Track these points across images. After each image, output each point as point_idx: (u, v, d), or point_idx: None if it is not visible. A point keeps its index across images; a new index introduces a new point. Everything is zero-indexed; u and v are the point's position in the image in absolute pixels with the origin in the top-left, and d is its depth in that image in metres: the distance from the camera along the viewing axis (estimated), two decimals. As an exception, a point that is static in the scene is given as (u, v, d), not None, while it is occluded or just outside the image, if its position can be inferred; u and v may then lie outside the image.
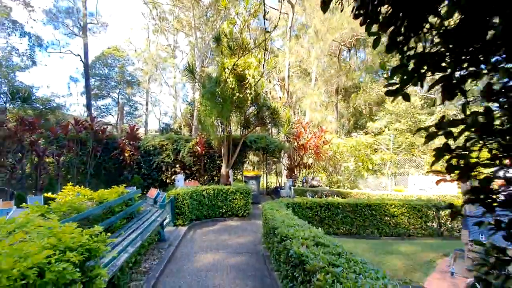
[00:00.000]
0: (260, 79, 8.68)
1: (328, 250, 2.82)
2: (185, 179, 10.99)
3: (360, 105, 24.29)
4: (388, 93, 1.29)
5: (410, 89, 20.00)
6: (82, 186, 4.76)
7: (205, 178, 12.20)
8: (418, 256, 5.34)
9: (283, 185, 12.82)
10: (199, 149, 11.48)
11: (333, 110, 23.24)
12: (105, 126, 12.70)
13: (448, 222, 6.86)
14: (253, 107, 10.28)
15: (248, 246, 5.71)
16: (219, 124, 10.33)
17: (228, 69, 8.22)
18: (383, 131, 19.26)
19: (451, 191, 12.40)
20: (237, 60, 8.10)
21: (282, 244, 3.43)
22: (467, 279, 4.24)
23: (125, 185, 5.55)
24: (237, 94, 8.55)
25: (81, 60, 24.42)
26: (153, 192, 9.99)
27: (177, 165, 12.73)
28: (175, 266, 4.58)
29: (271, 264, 4.41)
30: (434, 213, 6.77)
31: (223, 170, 10.46)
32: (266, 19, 3.61)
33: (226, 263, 4.83)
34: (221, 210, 7.82)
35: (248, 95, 8.73)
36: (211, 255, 5.21)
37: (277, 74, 21.67)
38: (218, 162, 12.33)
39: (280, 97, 20.17)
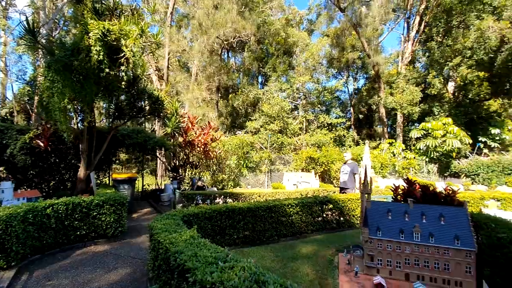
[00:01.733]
0: (141, 56, 6.64)
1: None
2: (16, 188, 7.30)
3: (239, 105, 24.93)
4: None
5: (281, 95, 22.12)
6: None
7: (52, 185, 8.63)
8: (318, 256, 5.19)
9: (163, 188, 10.91)
10: (42, 144, 7.94)
11: (214, 108, 22.68)
12: None
13: (329, 216, 7.32)
14: (130, 93, 7.96)
15: (127, 287, 3.90)
16: (77, 110, 7.40)
17: (100, 31, 5.75)
18: (259, 131, 20.38)
19: (315, 184, 14.21)
20: (107, 22, 5.79)
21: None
22: (372, 276, 4.25)
23: None
24: (107, 70, 6.17)
25: None
26: None
27: (1, 168, 8.48)
28: None
29: (170, 316, 2.94)
30: (320, 208, 7.05)
31: (82, 172, 7.59)
32: None
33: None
34: (79, 233, 5.36)
35: (123, 74, 6.51)
36: (61, 317, 3.13)
37: (155, 62, 18.94)
38: (74, 161, 9.02)
39: (159, 89, 17.63)
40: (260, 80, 31.48)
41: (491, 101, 22.53)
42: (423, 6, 21.43)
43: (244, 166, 15.62)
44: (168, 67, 18.92)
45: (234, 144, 14.29)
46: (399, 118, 22.73)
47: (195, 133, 10.17)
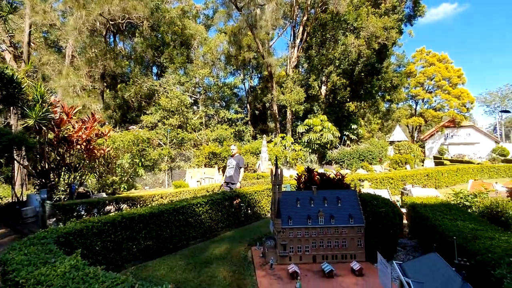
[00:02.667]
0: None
1: None
2: None
3: (130, 97, 21.85)
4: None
5: (179, 89, 20.75)
6: None
7: None
8: (232, 255, 4.93)
9: (26, 200, 8.22)
10: None
11: (99, 99, 19.01)
12: None
13: (237, 211, 7.19)
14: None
15: None
16: None
17: None
18: (157, 126, 18.48)
19: (219, 179, 14.03)
20: None
21: None
22: (286, 265, 4.29)
23: None
24: None
25: None
26: None
27: None
28: None
29: None
30: (229, 204, 6.82)
31: None
32: None
33: None
34: None
35: None
36: None
37: (8, 35, 14.09)
38: None
39: (14, 70, 13.13)
40: (155, 70, 28.69)
41: (349, 103, 28.22)
42: (305, 18, 24.52)
43: (140, 165, 13.78)
44: (29, 43, 14.43)
45: (127, 141, 12.31)
46: (289, 115, 25.41)
47: (73, 127, 8.01)
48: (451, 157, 31.97)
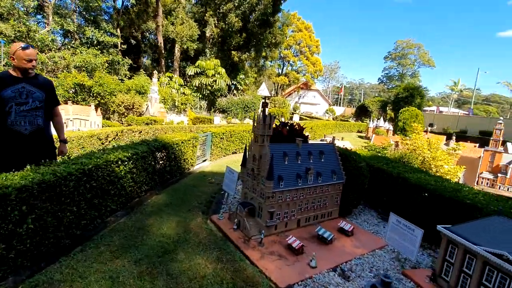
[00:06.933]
0: None
1: None
2: None
3: None
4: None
5: None
6: None
7: None
8: (193, 232, 3.41)
9: None
10: None
11: None
12: None
13: (159, 166, 5.23)
14: None
15: None
16: None
17: None
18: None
19: (97, 122, 10.32)
20: None
21: None
22: (275, 236, 3.32)
23: None
24: None
25: None
26: None
27: None
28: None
29: None
30: (153, 158, 4.77)
31: None
32: None
33: None
34: None
35: None
36: None
37: None
38: None
39: None
40: None
41: (234, 53, 27.33)
42: None
43: None
44: None
45: None
46: (177, 52, 21.75)
47: None
48: (302, 113, 38.94)
